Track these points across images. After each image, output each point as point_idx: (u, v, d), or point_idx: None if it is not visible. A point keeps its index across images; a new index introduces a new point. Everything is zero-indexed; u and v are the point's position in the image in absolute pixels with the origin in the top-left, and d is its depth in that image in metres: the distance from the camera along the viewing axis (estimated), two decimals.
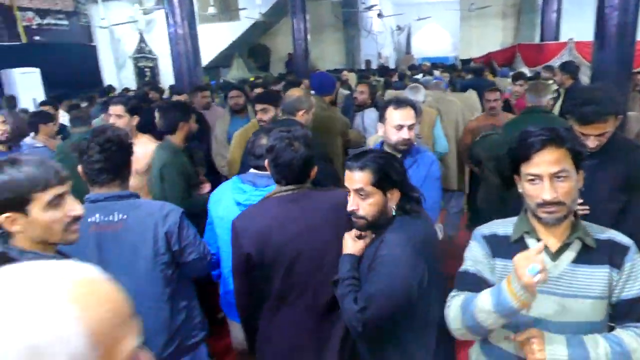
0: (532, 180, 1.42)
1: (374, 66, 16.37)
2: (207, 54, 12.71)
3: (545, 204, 1.40)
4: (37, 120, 4.46)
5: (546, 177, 1.39)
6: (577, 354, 1.38)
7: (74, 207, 1.41)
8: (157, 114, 4.39)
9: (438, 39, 21.06)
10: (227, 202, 2.27)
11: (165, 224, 1.96)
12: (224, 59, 15.71)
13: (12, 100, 7.69)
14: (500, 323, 1.39)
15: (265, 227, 1.89)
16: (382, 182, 1.69)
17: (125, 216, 1.93)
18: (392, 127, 2.61)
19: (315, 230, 1.90)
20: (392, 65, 17.64)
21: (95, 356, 0.58)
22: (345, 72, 10.55)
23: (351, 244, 1.82)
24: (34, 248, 1.37)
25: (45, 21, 12.50)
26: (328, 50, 18.95)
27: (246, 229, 1.91)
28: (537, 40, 14.06)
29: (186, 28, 7.38)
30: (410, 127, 2.59)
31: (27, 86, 10.15)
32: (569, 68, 5.97)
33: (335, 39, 19.39)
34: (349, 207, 1.73)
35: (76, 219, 1.43)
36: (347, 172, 1.73)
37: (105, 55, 14.57)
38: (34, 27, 12.15)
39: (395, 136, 2.61)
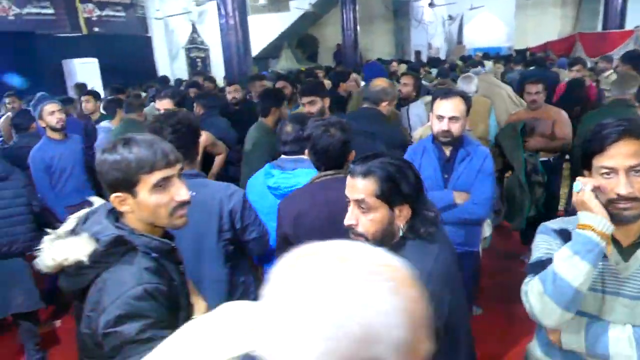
0: (606, 173, 1.32)
1: (423, 57, 16.06)
2: (257, 45, 12.85)
3: (619, 199, 1.30)
4: (115, 105, 4.83)
5: (622, 170, 1.29)
6: (596, 341, 1.35)
7: (180, 191, 1.36)
8: (195, 105, 4.52)
9: (491, 28, 20.37)
10: (259, 187, 2.46)
11: (230, 203, 2.07)
12: (273, 50, 15.82)
13: (82, 88, 7.96)
14: (585, 273, 1.28)
15: (301, 210, 1.98)
16: (390, 194, 1.38)
17: (194, 193, 2.02)
18: (434, 117, 2.59)
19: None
20: (442, 57, 17.23)
21: (405, 351, 0.59)
22: (394, 63, 10.35)
23: None
24: (143, 229, 1.36)
25: (104, 13, 12.97)
26: (377, 41, 18.72)
27: (285, 210, 2.05)
28: (599, 29, 13.36)
29: (237, 19, 7.49)
30: (452, 119, 2.53)
31: (86, 76, 10.59)
32: (632, 58, 5.62)
33: (384, 29, 19.12)
34: (346, 221, 1.45)
35: (183, 203, 1.38)
36: (348, 178, 1.46)
37: (159, 46, 14.97)
38: (94, 18, 12.63)
39: (436, 127, 2.58)
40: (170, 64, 15.09)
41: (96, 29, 12.69)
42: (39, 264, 1.30)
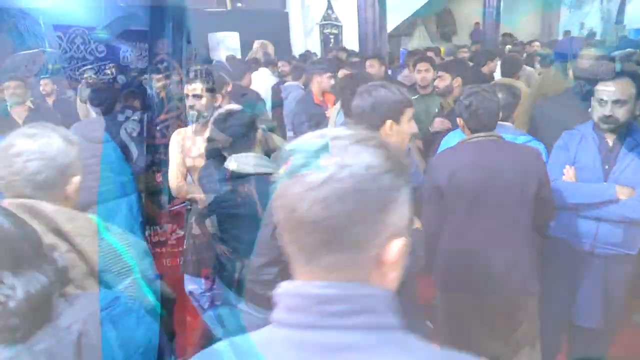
0: None
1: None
2: (390, 22, 12.58)
3: None
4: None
5: None
6: None
7: (413, 126, 1.87)
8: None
9: None
10: None
11: None
12: (406, 28, 15.41)
13: (232, 61, 8.50)
14: None
15: (457, 167, 2.17)
16: None
17: None
18: (596, 101, 2.34)
19: (499, 177, 2.11)
20: (596, 38, 15.41)
21: None
22: (536, 44, 9.33)
23: None
24: None
25: None
26: (520, 20, 17.34)
27: (441, 165, 2.26)
28: None
29: None
30: (617, 103, 2.25)
31: (228, 49, 11.26)
32: None
33: (530, 6, 17.65)
34: None
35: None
36: None
37: (295, 22, 15.37)
38: None
39: (596, 112, 2.32)
40: (305, 40, 15.44)
41: (239, 5, 13.40)
42: None
